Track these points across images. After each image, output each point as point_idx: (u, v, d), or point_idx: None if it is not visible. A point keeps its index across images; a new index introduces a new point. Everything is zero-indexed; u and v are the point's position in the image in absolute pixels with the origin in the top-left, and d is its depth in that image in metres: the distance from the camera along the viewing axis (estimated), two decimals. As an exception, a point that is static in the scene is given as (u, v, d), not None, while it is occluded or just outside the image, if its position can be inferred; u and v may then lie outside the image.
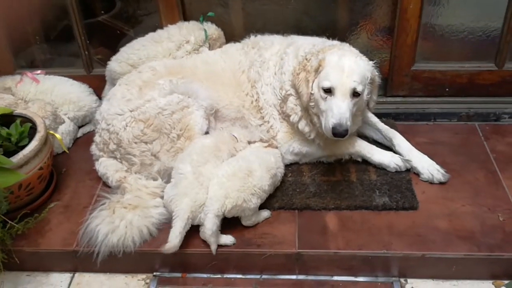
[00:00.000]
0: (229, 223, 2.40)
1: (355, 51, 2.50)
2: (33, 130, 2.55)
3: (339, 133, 2.29)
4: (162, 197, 2.46)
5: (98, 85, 3.18)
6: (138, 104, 2.57)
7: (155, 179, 2.57)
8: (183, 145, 2.54)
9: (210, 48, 2.98)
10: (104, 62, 3.20)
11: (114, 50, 3.07)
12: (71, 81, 3.17)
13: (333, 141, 2.63)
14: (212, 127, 2.67)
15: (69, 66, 3.32)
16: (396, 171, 2.65)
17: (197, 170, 2.34)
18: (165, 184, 2.52)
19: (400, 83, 3.07)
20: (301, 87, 2.45)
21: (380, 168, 2.68)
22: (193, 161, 2.36)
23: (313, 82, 2.41)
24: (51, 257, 2.46)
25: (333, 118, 2.30)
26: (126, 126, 2.55)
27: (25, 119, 2.63)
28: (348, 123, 2.30)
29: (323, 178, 2.66)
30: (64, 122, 3.01)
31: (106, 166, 2.64)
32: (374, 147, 2.70)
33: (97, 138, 2.69)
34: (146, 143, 2.54)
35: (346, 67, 2.35)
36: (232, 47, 2.90)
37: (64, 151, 2.91)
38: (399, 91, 3.10)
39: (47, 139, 2.56)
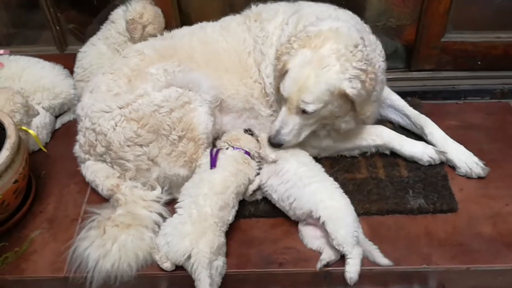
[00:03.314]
0: (244, 236, 2.11)
1: (333, 53, 1.96)
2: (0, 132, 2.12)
3: (271, 143, 2.17)
4: (160, 214, 2.11)
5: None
6: (128, 99, 2.13)
7: (153, 188, 2.18)
8: (186, 149, 2.14)
9: (133, 35, 2.54)
10: (80, 32, 2.73)
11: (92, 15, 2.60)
12: (42, 62, 2.67)
13: (355, 132, 2.30)
14: (218, 123, 2.26)
15: (38, 42, 2.81)
16: (430, 165, 2.32)
17: (203, 212, 1.97)
18: (165, 195, 2.16)
19: (427, 56, 2.69)
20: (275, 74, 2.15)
21: (411, 162, 2.34)
22: (199, 205, 1.99)
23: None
24: (38, 286, 2.09)
25: (273, 126, 2.15)
26: (116, 126, 2.12)
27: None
28: (286, 138, 2.13)
29: (347, 176, 2.32)
30: (38, 113, 2.55)
31: (95, 172, 2.23)
32: (404, 137, 2.35)
33: (81, 139, 2.26)
34: (141, 146, 2.13)
35: (302, 82, 1.99)
36: (233, 21, 2.42)
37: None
38: (426, 64, 2.72)
39: (20, 144, 2.13)
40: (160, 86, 2.14)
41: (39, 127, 2.54)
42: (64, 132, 2.65)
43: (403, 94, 2.57)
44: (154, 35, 2.53)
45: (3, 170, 1.99)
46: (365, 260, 1.99)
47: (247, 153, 2.20)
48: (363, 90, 1.98)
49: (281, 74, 2.06)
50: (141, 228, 2.02)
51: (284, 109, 2.10)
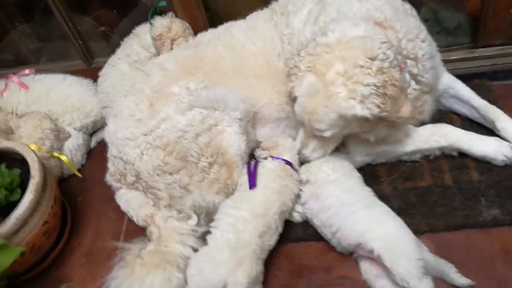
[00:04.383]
0: (292, 263, 1.90)
1: (340, 77, 1.66)
2: (24, 166, 2.00)
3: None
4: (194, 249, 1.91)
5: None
6: (151, 125, 1.93)
7: (189, 216, 2.00)
8: (219, 175, 1.92)
9: (161, 52, 2.33)
10: (111, 32, 2.55)
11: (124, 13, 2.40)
12: (68, 79, 2.53)
13: (415, 134, 1.99)
14: (254, 137, 2.02)
15: (66, 55, 2.66)
16: (505, 165, 1.95)
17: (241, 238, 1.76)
18: (202, 224, 1.97)
19: (495, 29, 2.24)
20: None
21: (483, 162, 1.98)
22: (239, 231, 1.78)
23: None
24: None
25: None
26: (142, 154, 1.94)
27: (13, 155, 2.06)
28: (310, 156, 1.95)
29: (408, 184, 2.01)
30: (70, 136, 2.43)
31: (128, 202, 2.07)
32: (472, 135, 1.99)
33: (110, 167, 2.10)
34: (170, 173, 1.93)
35: (311, 112, 1.75)
36: (260, 18, 2.13)
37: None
38: (494, 39, 2.29)
39: (47, 182, 2.00)
40: (183, 108, 1.92)
41: (72, 150, 2.42)
42: (100, 151, 2.51)
43: (470, 77, 2.22)
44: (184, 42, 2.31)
45: (28, 215, 1.88)
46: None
47: (288, 163, 1.95)
48: (384, 103, 1.67)
49: (291, 97, 1.82)
50: (169, 267, 1.84)
51: (301, 132, 1.90)
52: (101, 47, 2.64)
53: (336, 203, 1.82)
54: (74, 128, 2.47)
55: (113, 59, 2.45)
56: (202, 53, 2.09)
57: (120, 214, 2.20)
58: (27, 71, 2.54)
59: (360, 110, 1.67)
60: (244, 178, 1.93)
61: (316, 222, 1.88)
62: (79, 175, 2.39)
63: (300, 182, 1.95)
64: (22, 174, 2.00)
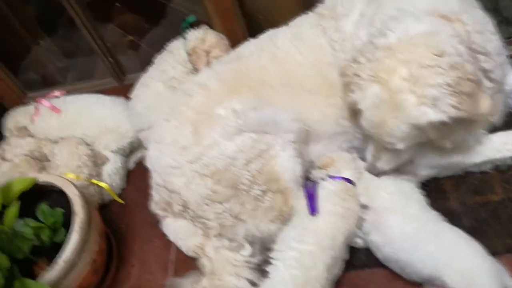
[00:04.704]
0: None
1: (405, 82, 1.47)
2: (63, 198, 1.90)
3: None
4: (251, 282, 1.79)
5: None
6: (197, 153, 1.78)
7: (242, 246, 1.87)
8: (274, 203, 1.77)
9: (198, 67, 2.19)
10: (139, 41, 2.41)
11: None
12: (101, 98, 2.39)
13: (485, 142, 1.81)
14: (306, 159, 1.87)
15: (92, 74, 2.52)
16: None
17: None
18: (256, 256, 1.84)
19: None
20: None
21: None
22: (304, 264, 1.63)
23: None
24: None
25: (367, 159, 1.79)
26: (188, 183, 1.80)
27: (52, 187, 1.96)
28: (383, 168, 1.75)
29: (477, 199, 1.84)
30: (108, 160, 2.31)
31: (176, 231, 1.95)
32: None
33: (155, 196, 1.98)
34: (220, 202, 1.80)
35: (380, 126, 1.56)
36: (305, 23, 1.94)
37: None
38: None
39: (92, 217, 1.89)
40: (231, 132, 1.76)
41: (111, 175, 2.30)
42: (139, 173, 2.39)
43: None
44: (220, 55, 2.15)
45: (76, 257, 1.76)
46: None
47: (348, 180, 1.80)
48: (461, 102, 1.47)
49: (353, 110, 1.66)
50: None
51: (371, 144, 1.72)
52: (130, 59, 2.49)
53: (399, 236, 1.65)
54: (111, 151, 2.34)
55: (145, 79, 2.30)
56: (245, 67, 1.92)
57: (167, 241, 2.07)
58: (56, 93, 2.42)
59: (434, 115, 1.47)
60: (302, 203, 1.78)
61: (380, 256, 1.72)
62: (121, 201, 2.28)
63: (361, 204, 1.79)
64: (63, 206, 1.90)
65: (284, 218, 1.82)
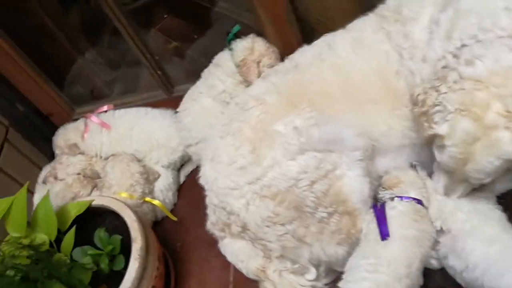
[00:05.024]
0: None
1: (501, 117, 1.32)
2: (118, 220, 1.85)
3: None
4: None
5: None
6: (257, 173, 1.68)
7: (306, 269, 1.77)
8: (341, 225, 1.66)
9: (249, 79, 2.07)
10: (184, 49, 2.32)
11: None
12: (150, 112, 2.33)
13: None
14: (373, 176, 1.74)
15: (139, 86, 2.45)
16: None
17: None
18: (321, 279, 1.75)
19: None
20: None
21: None
22: None
23: None
24: None
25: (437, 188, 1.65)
26: (248, 204, 1.71)
27: (106, 209, 1.90)
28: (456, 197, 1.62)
29: None
30: (159, 176, 2.25)
31: (235, 253, 1.87)
32: None
33: (211, 216, 1.90)
34: (282, 224, 1.70)
35: (467, 162, 1.41)
36: (366, 26, 1.79)
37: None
38: None
39: (149, 242, 1.83)
40: (293, 151, 1.65)
41: (163, 191, 2.24)
42: (190, 187, 2.33)
43: None
44: (272, 66, 2.03)
45: (137, 285, 1.71)
46: None
47: (417, 201, 1.67)
48: None
49: (429, 139, 1.52)
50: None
51: (443, 175, 1.59)
52: (176, 68, 2.41)
53: (481, 260, 1.50)
54: (162, 166, 2.28)
55: (193, 93, 2.22)
56: (303, 78, 1.79)
57: (224, 261, 2.00)
58: (105, 107, 2.37)
59: None
60: (371, 226, 1.66)
61: (461, 281, 1.59)
62: (175, 218, 2.21)
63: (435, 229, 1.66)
64: (118, 229, 1.85)
65: (352, 241, 1.71)
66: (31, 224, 1.81)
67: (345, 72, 1.76)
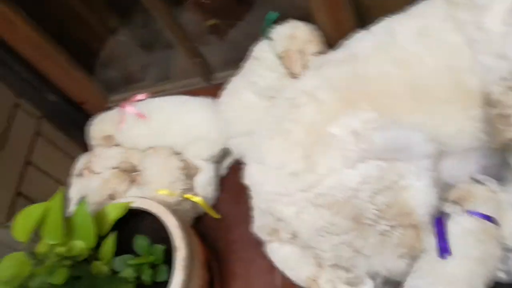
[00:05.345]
0: None
1: None
2: (157, 223, 1.73)
3: None
4: None
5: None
6: (310, 181, 1.52)
7: (361, 280, 1.63)
8: (403, 239, 1.50)
9: (293, 71, 1.83)
10: (226, 30, 2.13)
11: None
12: (188, 101, 2.15)
13: None
14: (438, 182, 1.56)
15: (175, 74, 2.27)
16: None
17: None
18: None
19: None
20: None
21: None
22: None
23: None
24: None
25: None
26: (299, 213, 1.57)
27: (145, 212, 1.79)
28: None
29: None
30: (199, 170, 2.11)
31: (284, 259, 1.75)
32: None
33: (257, 219, 1.77)
34: (338, 234, 1.56)
35: None
36: (431, 13, 1.57)
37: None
38: None
39: (194, 249, 1.71)
40: (352, 159, 1.48)
41: (204, 186, 2.10)
42: (232, 180, 2.18)
43: None
44: (318, 54, 1.82)
45: (181, 297, 1.61)
46: None
47: (487, 218, 1.49)
48: None
49: (502, 141, 1.38)
50: None
51: None
52: (215, 52, 2.20)
53: None
54: (202, 160, 2.14)
55: (234, 86, 2.03)
56: (362, 71, 1.59)
57: (272, 263, 1.88)
58: (140, 96, 2.22)
59: None
60: (431, 240, 1.50)
61: None
62: (218, 216, 2.09)
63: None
64: (157, 232, 1.75)
65: (415, 254, 1.55)
66: (68, 231, 1.71)
67: (410, 66, 1.55)
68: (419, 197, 1.47)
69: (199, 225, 2.11)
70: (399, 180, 1.46)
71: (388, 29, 1.64)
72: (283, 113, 1.68)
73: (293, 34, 1.84)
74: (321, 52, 1.84)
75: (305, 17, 1.88)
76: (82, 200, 1.75)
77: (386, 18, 1.69)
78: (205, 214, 2.14)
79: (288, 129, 1.62)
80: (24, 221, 1.72)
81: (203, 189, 2.10)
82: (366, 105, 1.54)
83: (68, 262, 1.61)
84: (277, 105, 1.74)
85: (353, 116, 1.53)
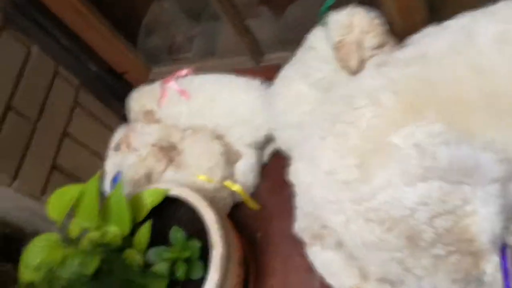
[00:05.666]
0: None
1: None
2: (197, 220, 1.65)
3: None
4: None
5: (275, 76, 1.99)
6: (363, 193, 1.39)
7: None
8: (460, 265, 1.37)
9: (349, 64, 1.64)
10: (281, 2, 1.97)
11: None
12: (234, 82, 2.03)
13: None
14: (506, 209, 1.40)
15: (222, 49, 2.13)
16: None
17: None
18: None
19: None
20: None
21: None
22: None
23: None
24: None
25: None
26: (348, 223, 1.45)
27: (182, 202, 1.71)
28: None
29: None
30: (241, 156, 2.01)
31: (326, 265, 1.66)
32: None
33: (300, 220, 1.67)
34: (389, 251, 1.44)
35: None
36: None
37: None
38: None
39: (231, 246, 1.63)
40: (412, 176, 1.33)
41: (245, 172, 2.01)
42: (274, 168, 2.08)
43: None
44: (378, 47, 1.64)
45: (216, 298, 1.54)
46: None
47: None
48: None
49: None
50: None
51: None
52: (267, 30, 2.03)
53: None
54: (245, 144, 2.03)
55: (287, 76, 1.88)
56: (432, 74, 1.42)
57: (311, 263, 1.82)
58: (184, 71, 2.10)
59: None
60: (497, 275, 1.36)
61: None
62: (257, 207, 1.99)
63: None
64: (192, 221, 1.68)
65: (470, 280, 1.43)
66: (102, 215, 1.65)
67: (489, 74, 1.36)
68: (484, 224, 1.32)
69: (237, 213, 2.03)
70: (463, 206, 1.31)
71: (466, 29, 1.44)
72: (339, 112, 1.53)
73: (350, 23, 1.65)
74: (381, 45, 1.66)
75: (370, 1, 1.69)
76: (118, 184, 1.68)
77: (463, 14, 1.50)
78: (241, 202, 2.05)
79: (343, 132, 1.48)
80: (59, 201, 1.68)
81: (244, 175, 2.01)
82: (433, 114, 1.38)
83: (100, 250, 1.55)
84: (332, 102, 1.59)
85: (418, 126, 1.37)
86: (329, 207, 1.48)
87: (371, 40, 1.65)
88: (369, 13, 1.66)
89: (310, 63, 1.77)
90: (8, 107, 1.79)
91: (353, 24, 1.65)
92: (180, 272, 1.55)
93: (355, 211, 1.42)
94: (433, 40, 1.50)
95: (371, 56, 1.66)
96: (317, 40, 1.75)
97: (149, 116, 2.08)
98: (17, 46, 1.83)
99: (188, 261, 1.58)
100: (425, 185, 1.32)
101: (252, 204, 1.98)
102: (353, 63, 1.65)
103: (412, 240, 1.37)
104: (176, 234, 1.60)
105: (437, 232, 1.33)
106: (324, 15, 1.71)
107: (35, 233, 1.95)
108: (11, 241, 2.07)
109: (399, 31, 1.66)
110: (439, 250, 1.35)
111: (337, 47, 1.66)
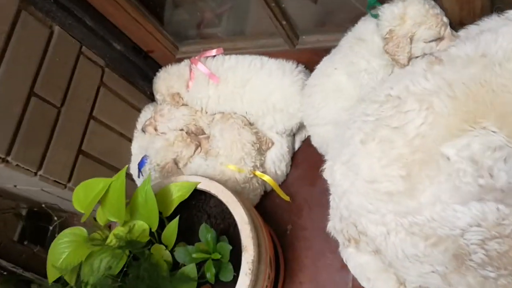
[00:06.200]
0: None
1: None
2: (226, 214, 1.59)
3: None
4: None
5: (310, 59, 1.85)
6: (408, 207, 1.29)
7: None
8: (510, 286, 1.28)
9: (397, 57, 1.50)
10: None
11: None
12: (266, 64, 1.89)
13: None
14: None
15: (253, 32, 1.96)
16: None
17: None
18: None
19: None
20: None
21: None
22: None
23: None
24: None
25: None
26: (388, 235, 1.36)
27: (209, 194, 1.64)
28: None
29: None
30: (273, 144, 1.90)
31: (362, 268, 1.57)
32: None
33: (336, 222, 1.57)
34: (431, 265, 1.35)
35: None
36: None
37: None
38: None
39: (262, 247, 1.56)
40: (465, 194, 1.22)
41: (275, 161, 1.92)
42: (306, 156, 1.98)
43: None
44: (432, 40, 1.48)
45: (246, 303, 1.49)
46: None
47: None
48: None
49: None
50: None
51: None
52: (303, 11, 1.85)
53: None
54: (276, 133, 1.92)
55: (326, 67, 1.73)
56: (494, 79, 1.27)
57: (343, 262, 1.74)
58: (213, 51, 1.96)
59: None
60: None
61: None
62: (288, 199, 1.91)
63: None
64: (223, 220, 1.62)
65: (519, 301, 1.34)
66: (129, 210, 1.59)
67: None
68: (542, 250, 1.21)
69: (265, 202, 1.95)
70: (520, 230, 1.20)
71: (536, 25, 1.28)
72: (383, 114, 1.40)
73: (403, 14, 1.49)
74: (437, 38, 1.50)
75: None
76: (145, 180, 1.60)
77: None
78: (271, 191, 1.96)
79: (388, 138, 1.36)
80: (85, 193, 1.62)
81: (275, 164, 1.92)
82: (492, 122, 1.25)
83: (127, 250, 1.50)
84: (376, 100, 1.45)
85: (475, 136, 1.24)
86: (368, 216, 1.39)
87: (424, 32, 1.49)
88: (425, 3, 1.50)
89: (360, 54, 1.64)
90: (31, 92, 1.70)
91: (406, 16, 1.50)
92: (211, 274, 1.50)
93: (398, 224, 1.32)
94: (495, 36, 1.33)
95: (424, 51, 1.51)
96: (368, 32, 1.60)
97: (177, 99, 1.97)
98: (38, 26, 1.71)
99: (217, 261, 1.52)
100: (479, 206, 1.21)
101: (283, 196, 1.90)
102: (404, 58, 1.51)
103: (460, 259, 1.28)
104: (207, 234, 1.53)
105: (489, 255, 1.23)
106: (373, 5, 1.55)
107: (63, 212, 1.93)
108: (39, 221, 2.05)
109: (455, 19, 1.49)
110: (489, 273, 1.26)
111: (387, 39, 1.52)
